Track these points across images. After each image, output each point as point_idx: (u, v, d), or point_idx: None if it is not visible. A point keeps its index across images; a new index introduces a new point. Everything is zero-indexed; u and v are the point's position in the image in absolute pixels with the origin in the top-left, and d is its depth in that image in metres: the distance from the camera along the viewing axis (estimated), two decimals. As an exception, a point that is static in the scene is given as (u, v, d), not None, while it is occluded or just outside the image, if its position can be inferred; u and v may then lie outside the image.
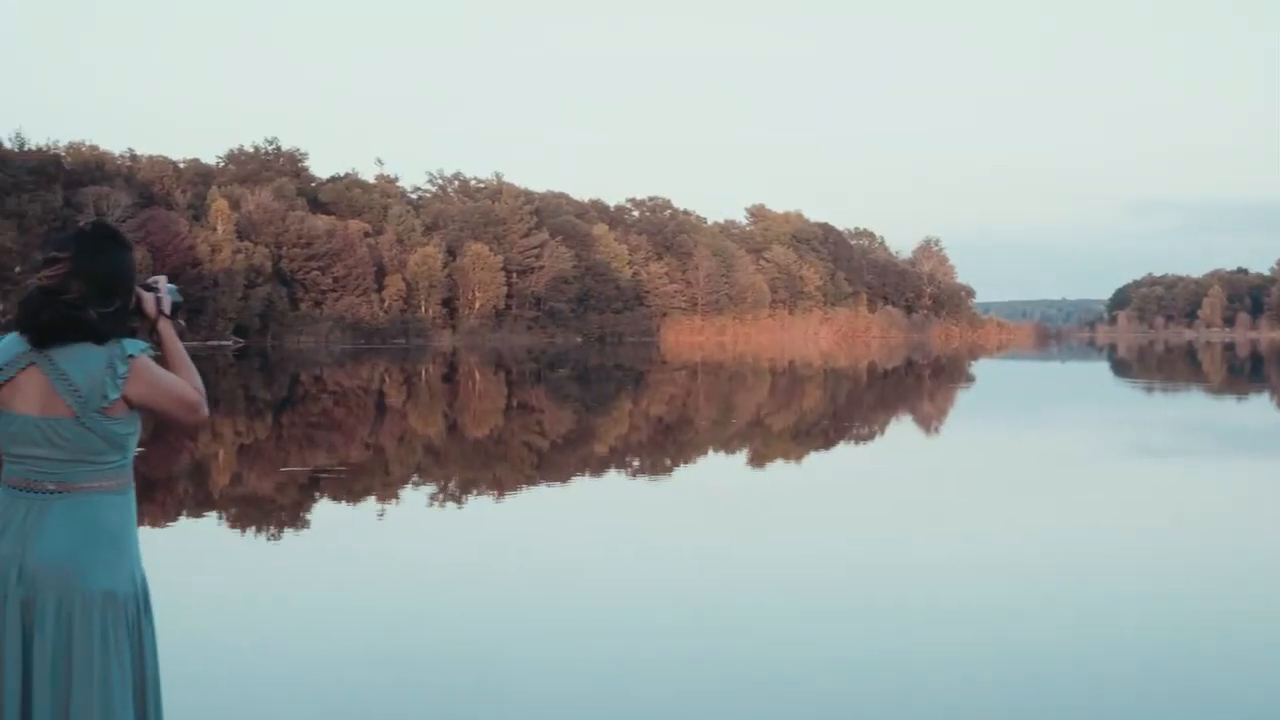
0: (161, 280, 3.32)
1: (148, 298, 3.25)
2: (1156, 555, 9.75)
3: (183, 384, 3.19)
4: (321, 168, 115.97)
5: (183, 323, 3.31)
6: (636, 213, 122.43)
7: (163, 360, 3.22)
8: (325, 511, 12.10)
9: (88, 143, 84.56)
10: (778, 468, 16.76)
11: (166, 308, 3.28)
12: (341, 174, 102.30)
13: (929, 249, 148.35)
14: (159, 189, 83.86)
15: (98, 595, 3.03)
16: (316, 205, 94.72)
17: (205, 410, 3.23)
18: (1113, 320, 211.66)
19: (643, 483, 14.99)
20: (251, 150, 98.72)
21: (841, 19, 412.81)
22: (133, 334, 3.16)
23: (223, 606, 7.65)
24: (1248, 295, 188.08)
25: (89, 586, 3.02)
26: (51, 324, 3.03)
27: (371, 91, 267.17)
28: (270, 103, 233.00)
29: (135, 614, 3.12)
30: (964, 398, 34.61)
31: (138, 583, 3.17)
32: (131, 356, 3.09)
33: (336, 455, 17.37)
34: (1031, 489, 13.84)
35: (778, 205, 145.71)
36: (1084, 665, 6.31)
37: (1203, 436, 20.95)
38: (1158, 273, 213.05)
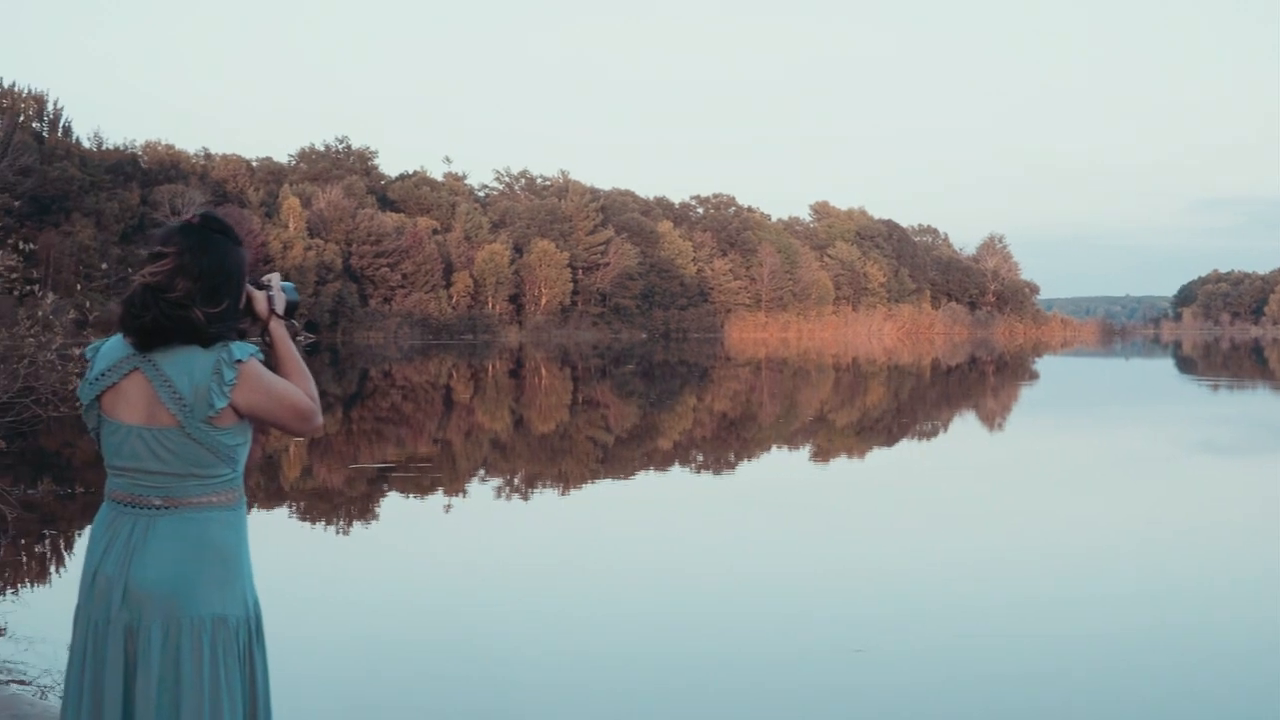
0: (275, 278, 3.13)
1: (259, 296, 3.05)
2: (1219, 553, 9.82)
3: (296, 391, 2.94)
4: (391, 166, 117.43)
5: (297, 324, 3.13)
6: (701, 210, 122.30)
7: (274, 364, 3.00)
8: (392, 506, 12.45)
9: (163, 142, 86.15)
10: (839, 464, 16.89)
11: (280, 307, 3.08)
12: (410, 172, 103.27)
13: (993, 245, 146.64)
14: (232, 187, 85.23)
15: (207, 621, 2.80)
16: (386, 203, 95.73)
17: (319, 419, 2.99)
18: (1178, 317, 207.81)
19: (706, 479, 15.18)
20: (322, 149, 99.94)
21: (906, 15, 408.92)
22: (242, 336, 2.93)
23: (284, 600, 7.98)
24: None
25: (198, 611, 2.79)
26: (155, 325, 2.80)
27: (439, 90, 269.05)
28: (341, 102, 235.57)
29: (247, 641, 2.88)
30: (1027, 394, 34.43)
31: (250, 607, 2.92)
32: (240, 361, 2.84)
33: (405, 450, 17.75)
34: (1094, 486, 13.87)
35: (841, 202, 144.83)
36: (1141, 659, 6.46)
37: (1268, 434, 20.78)
38: (1223, 269, 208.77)
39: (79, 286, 19.96)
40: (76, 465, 14.78)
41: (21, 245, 10.78)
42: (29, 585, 8.07)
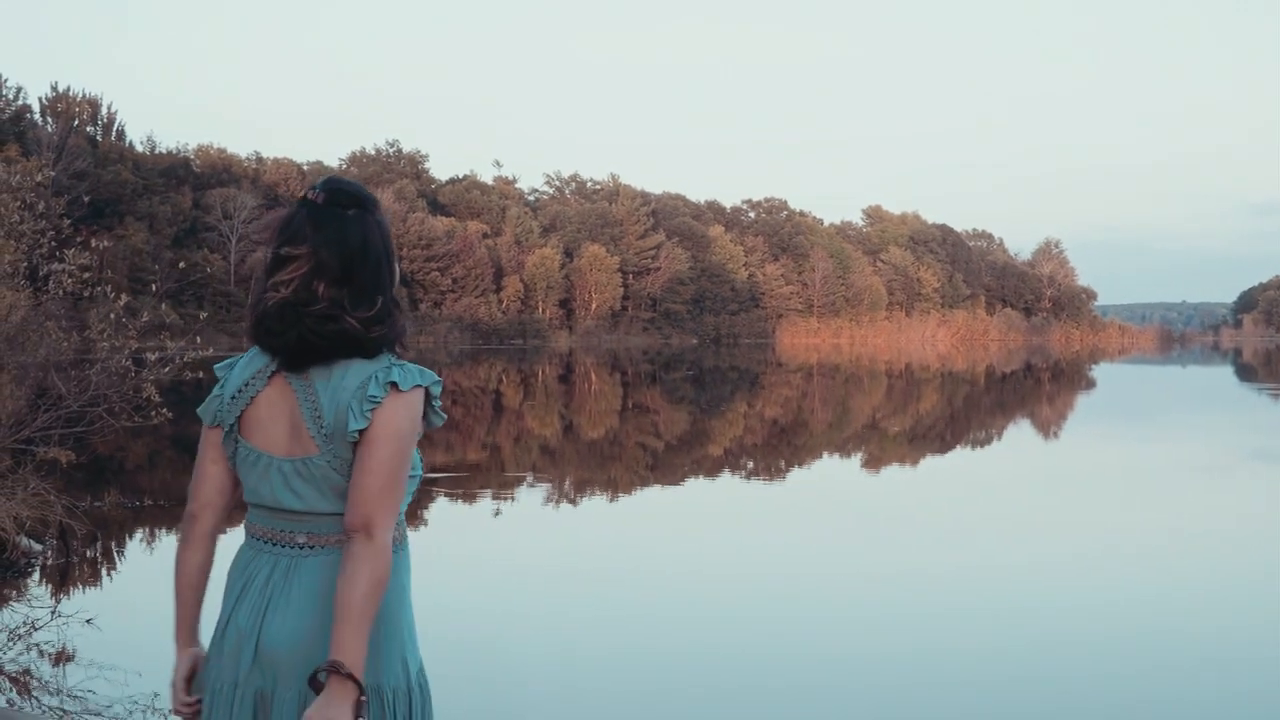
0: None
1: None
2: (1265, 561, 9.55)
3: (402, 484, 2.21)
4: (441, 169, 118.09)
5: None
6: (753, 214, 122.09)
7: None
8: (440, 512, 12.40)
9: (215, 145, 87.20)
10: (890, 472, 16.68)
11: None
12: (461, 176, 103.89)
13: (1049, 250, 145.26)
14: (284, 190, 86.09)
15: None
16: (436, 207, 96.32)
17: (382, 539, 2.17)
18: (1238, 324, 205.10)
19: (755, 486, 15.05)
20: (373, 152, 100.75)
21: (957, 18, 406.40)
22: (403, 331, 2.32)
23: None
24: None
25: None
26: (301, 345, 2.23)
27: (490, 94, 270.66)
28: (391, 105, 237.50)
29: (406, 716, 2.26)
30: (1083, 402, 33.93)
31: (412, 675, 2.29)
32: (394, 385, 2.20)
33: (454, 455, 17.73)
34: (1144, 495, 13.59)
35: (895, 206, 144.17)
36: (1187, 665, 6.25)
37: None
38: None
39: (124, 293, 20.03)
40: (144, 475, 14.85)
41: (94, 243, 10.53)
42: (98, 606, 7.56)
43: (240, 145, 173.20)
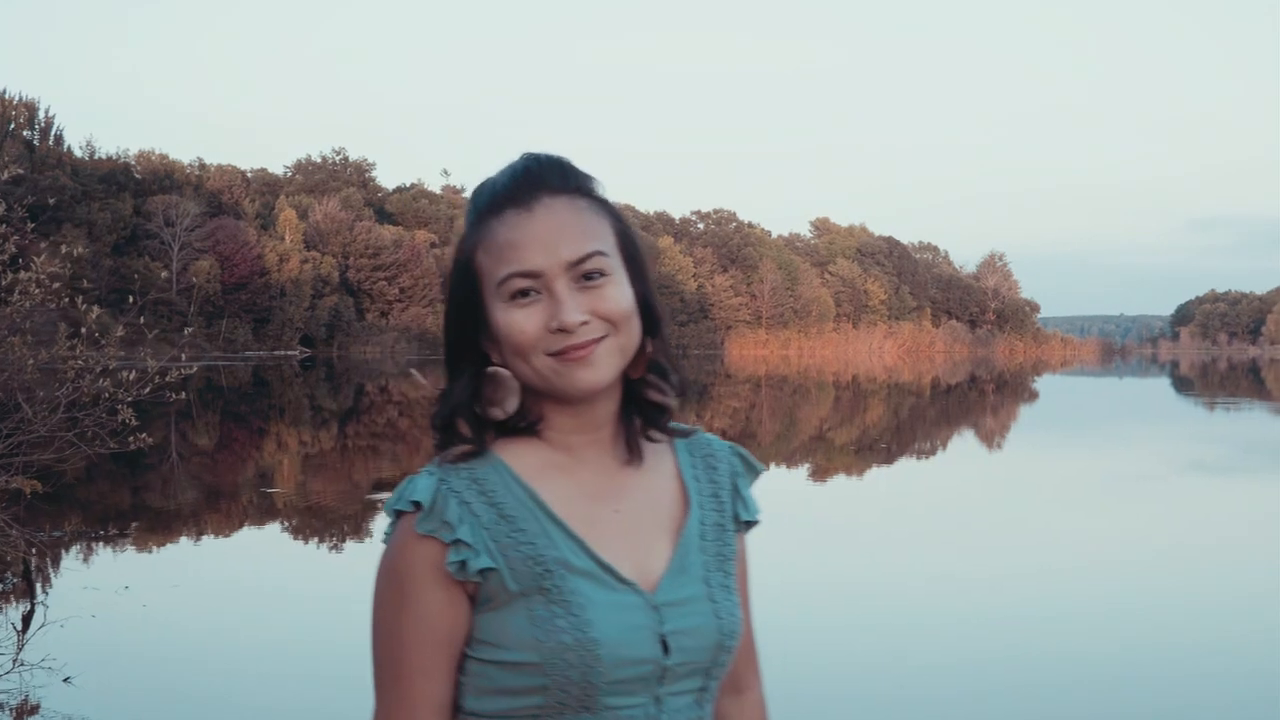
0: None
1: None
2: (1202, 572, 9.64)
3: (384, 671, 1.37)
4: (388, 178, 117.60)
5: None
6: (702, 225, 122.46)
7: None
8: (383, 524, 12.23)
9: (157, 151, 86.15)
10: (837, 482, 16.71)
11: None
12: (408, 184, 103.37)
13: (993, 263, 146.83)
14: (227, 198, 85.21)
15: None
16: (383, 216, 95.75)
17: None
18: (1175, 336, 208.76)
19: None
20: (319, 160, 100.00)
21: (905, 35, 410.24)
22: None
23: (275, 607, 7.77)
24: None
25: None
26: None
27: (437, 102, 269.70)
28: (338, 113, 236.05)
29: None
30: (1026, 413, 34.25)
31: None
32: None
33: (401, 466, 17.55)
34: (1084, 505, 13.70)
35: (842, 219, 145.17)
36: (1113, 675, 6.27)
37: (1264, 453, 20.59)
38: (1220, 289, 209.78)
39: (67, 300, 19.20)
40: (106, 495, 14.55)
41: (65, 248, 9.71)
42: (66, 654, 6.77)
43: (183, 152, 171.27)
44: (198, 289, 74.21)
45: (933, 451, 21.87)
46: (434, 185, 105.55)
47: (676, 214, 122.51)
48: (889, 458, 20.36)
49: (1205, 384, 54.58)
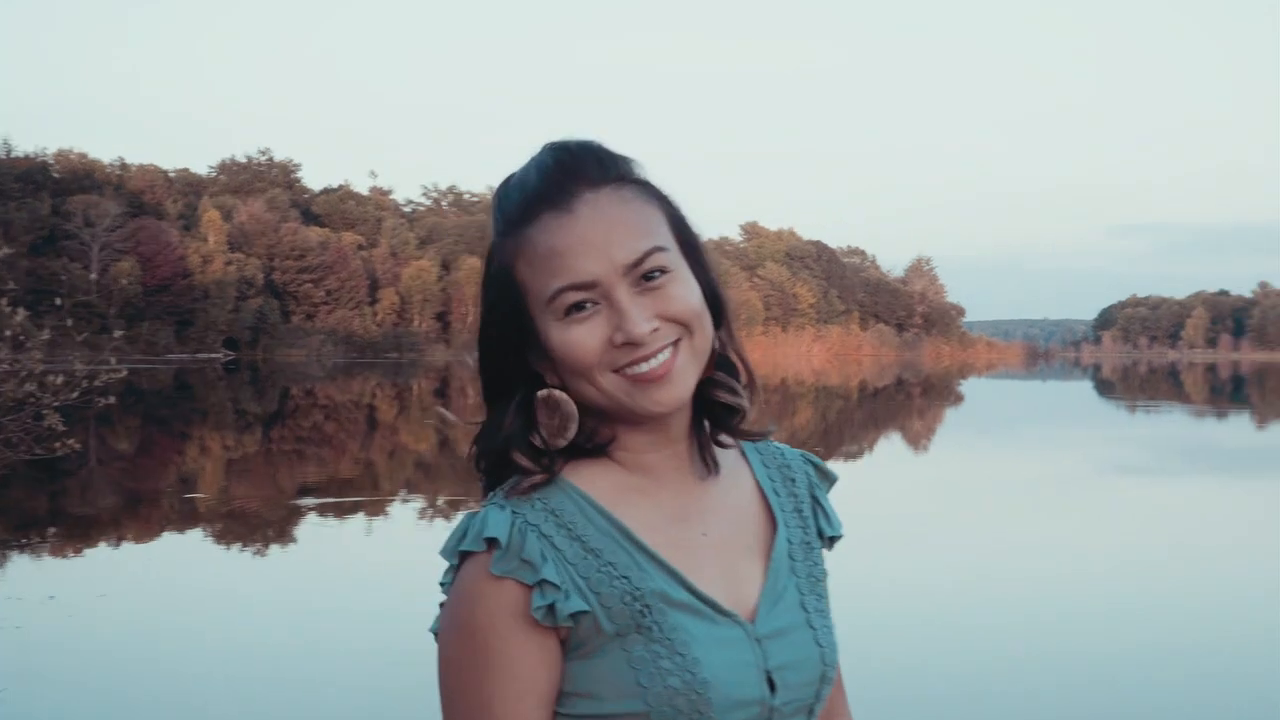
0: None
1: None
2: (1120, 572, 9.79)
3: None
4: (314, 179, 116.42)
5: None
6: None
7: None
8: (307, 528, 12.09)
9: (76, 150, 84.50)
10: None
11: None
12: (335, 186, 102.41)
13: (920, 268, 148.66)
14: (149, 198, 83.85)
15: None
16: (309, 217, 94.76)
17: None
18: (1097, 340, 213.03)
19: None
20: (244, 160, 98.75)
21: (836, 39, 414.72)
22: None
23: (200, 608, 7.64)
24: (1230, 317, 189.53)
25: None
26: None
27: (365, 103, 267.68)
28: (263, 113, 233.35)
29: None
30: (952, 416, 34.66)
31: None
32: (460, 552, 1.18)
33: (326, 471, 17.35)
34: (1006, 509, 13.87)
35: (771, 222, 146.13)
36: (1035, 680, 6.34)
37: (1180, 455, 21.02)
38: (1141, 294, 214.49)
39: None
40: (22, 509, 14.20)
41: None
42: None
43: (103, 151, 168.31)
44: (119, 291, 72.92)
45: (860, 454, 22.03)
46: (361, 187, 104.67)
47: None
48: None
49: (1127, 387, 55.62)
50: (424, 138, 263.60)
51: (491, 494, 1.20)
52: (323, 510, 13.06)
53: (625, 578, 1.14)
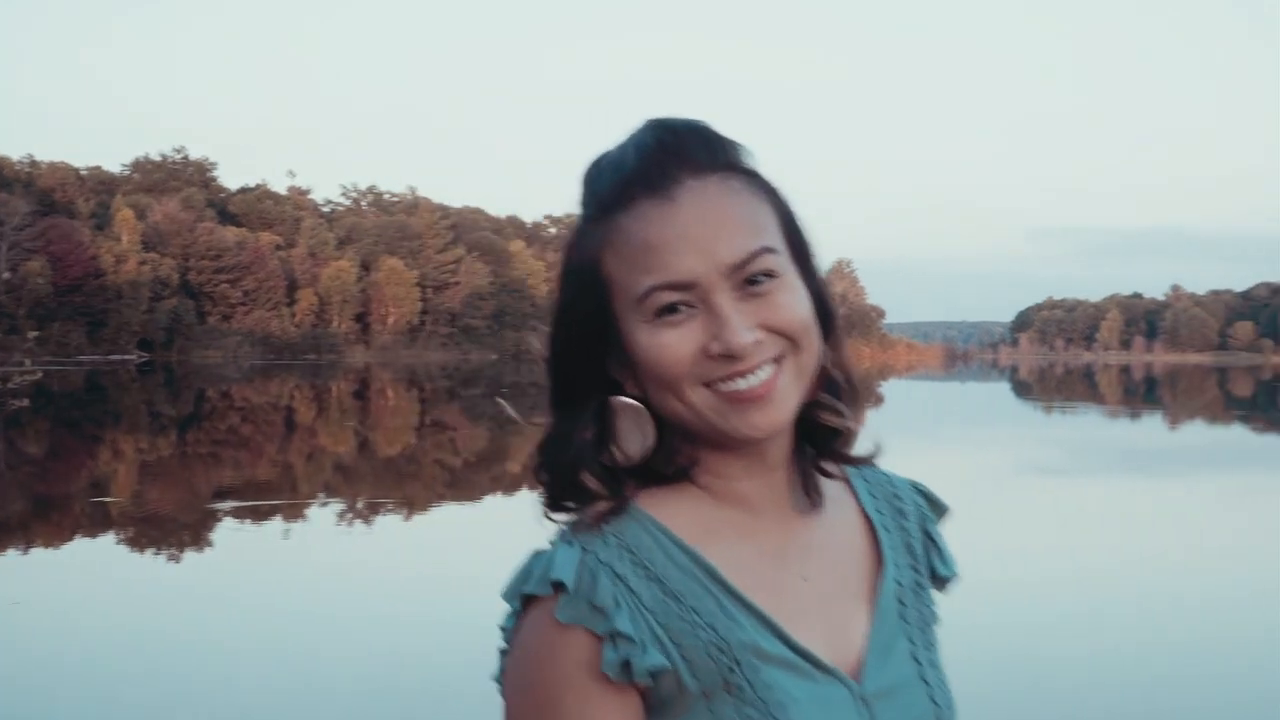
0: None
1: None
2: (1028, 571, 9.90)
3: None
4: (231, 178, 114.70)
5: None
6: (554, 229, 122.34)
7: None
8: (223, 533, 11.85)
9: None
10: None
11: None
12: (252, 185, 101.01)
13: (841, 270, 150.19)
14: (60, 196, 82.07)
15: None
16: (226, 217, 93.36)
17: None
18: (1014, 342, 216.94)
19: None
20: (158, 159, 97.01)
21: (761, 39, 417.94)
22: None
23: (110, 614, 7.45)
24: (1143, 319, 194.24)
25: None
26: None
27: (283, 102, 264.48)
28: (178, 111, 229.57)
29: None
30: (871, 418, 34.99)
31: None
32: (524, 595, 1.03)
33: (242, 474, 17.05)
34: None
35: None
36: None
37: (1093, 454, 21.38)
38: (1058, 296, 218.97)
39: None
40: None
41: None
42: None
43: (11, 147, 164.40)
44: (28, 291, 71.26)
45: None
46: (279, 186, 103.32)
47: (528, 218, 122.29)
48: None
49: (1043, 388, 56.57)
50: (344, 137, 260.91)
51: (563, 526, 1.04)
52: (239, 514, 12.82)
53: (711, 627, 0.99)
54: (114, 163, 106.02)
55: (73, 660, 6.88)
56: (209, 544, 11.19)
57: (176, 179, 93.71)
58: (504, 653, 1.02)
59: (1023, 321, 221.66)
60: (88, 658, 6.92)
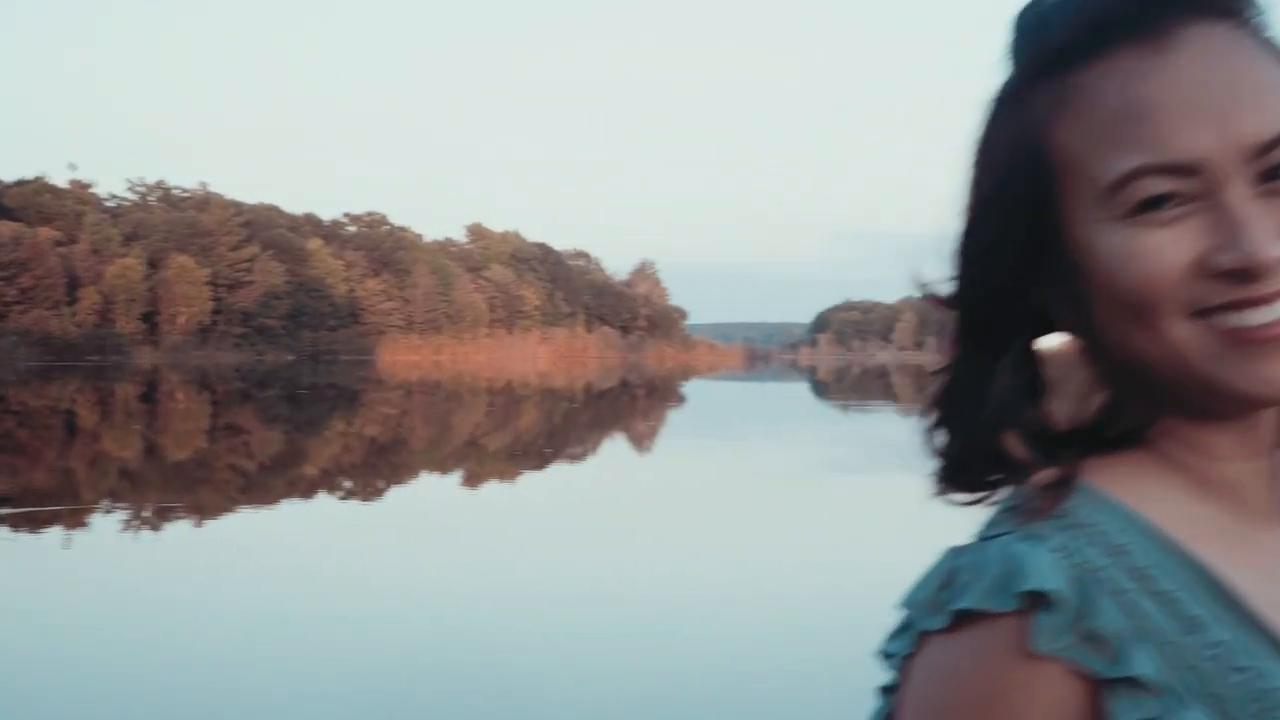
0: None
1: None
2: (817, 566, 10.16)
3: None
4: (6, 170, 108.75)
5: None
6: (353, 228, 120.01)
7: None
8: (1, 539, 11.21)
9: None
10: (490, 489, 16.64)
11: None
12: (29, 178, 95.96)
13: (644, 271, 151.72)
14: None
15: None
16: (1, 211, 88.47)
17: None
18: (814, 343, 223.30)
19: (353, 505, 14.60)
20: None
21: (568, 45, 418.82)
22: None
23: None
24: (936, 320, 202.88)
25: None
26: None
27: (65, 93, 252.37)
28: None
29: None
30: (674, 418, 35.43)
31: None
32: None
33: (18, 481, 16.18)
34: (727, 507, 14.22)
35: (496, 224, 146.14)
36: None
37: (890, 452, 22.10)
38: (855, 298, 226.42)
39: None
40: None
41: None
42: None
43: None
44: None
45: (582, 456, 22.19)
46: (59, 179, 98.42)
47: (326, 216, 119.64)
48: (541, 462, 20.50)
49: (840, 388, 58.24)
50: (130, 130, 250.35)
51: (1000, 509, 0.72)
52: (14, 521, 12.14)
53: (1243, 669, 0.67)
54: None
55: None
56: (-22, 556, 10.55)
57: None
58: (887, 690, 0.72)
59: (821, 323, 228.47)
60: None
